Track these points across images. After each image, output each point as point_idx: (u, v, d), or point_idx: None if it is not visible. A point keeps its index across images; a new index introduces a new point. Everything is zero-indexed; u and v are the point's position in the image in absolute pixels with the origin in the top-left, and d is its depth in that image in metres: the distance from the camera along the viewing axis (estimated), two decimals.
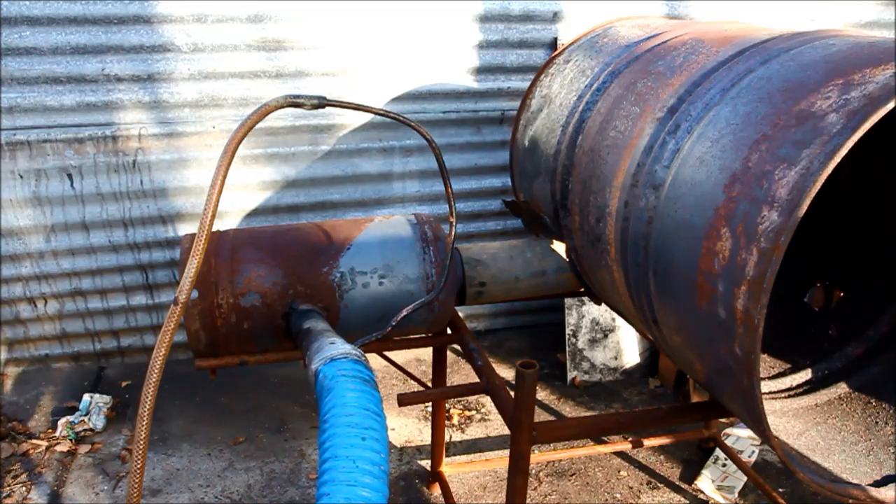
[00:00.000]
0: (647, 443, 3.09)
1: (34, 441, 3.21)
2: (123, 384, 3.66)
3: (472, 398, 3.57)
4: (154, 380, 1.54)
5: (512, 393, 1.92)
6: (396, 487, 3.00)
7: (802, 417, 2.00)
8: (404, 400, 2.08)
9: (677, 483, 3.05)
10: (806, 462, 1.72)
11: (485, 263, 2.41)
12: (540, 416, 3.43)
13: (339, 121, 3.57)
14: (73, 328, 3.74)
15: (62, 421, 3.28)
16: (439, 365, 2.70)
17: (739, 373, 1.42)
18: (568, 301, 3.72)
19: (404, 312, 2.16)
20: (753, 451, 3.22)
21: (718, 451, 3.15)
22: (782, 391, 2.15)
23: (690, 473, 3.10)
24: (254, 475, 3.04)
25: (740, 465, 3.01)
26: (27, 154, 3.33)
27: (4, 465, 3.05)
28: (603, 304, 2.53)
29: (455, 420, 3.43)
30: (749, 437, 3.30)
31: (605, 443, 3.20)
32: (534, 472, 3.08)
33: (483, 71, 3.63)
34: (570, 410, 3.55)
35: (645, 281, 1.75)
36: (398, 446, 3.25)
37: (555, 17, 3.59)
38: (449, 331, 2.46)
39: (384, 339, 2.21)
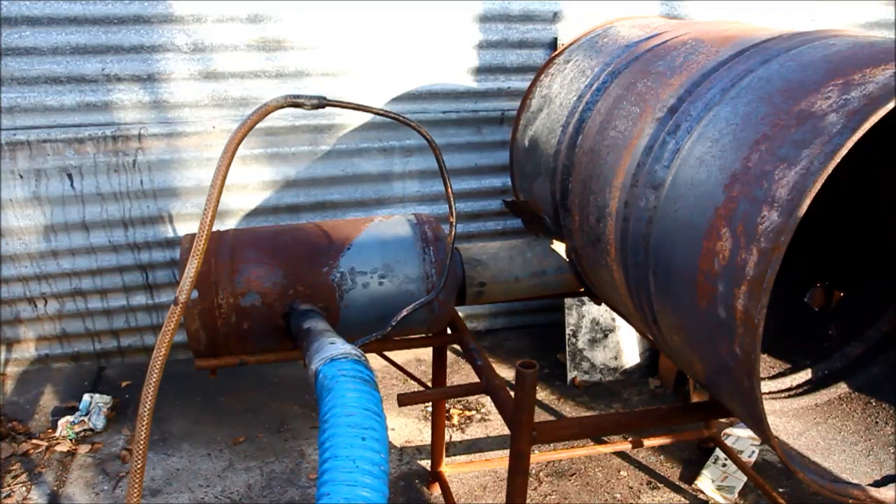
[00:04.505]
0: (647, 443, 3.09)
1: (34, 441, 3.21)
2: (123, 384, 3.66)
3: (472, 398, 3.57)
4: (154, 380, 1.54)
5: (512, 393, 1.92)
6: (396, 487, 3.00)
7: (802, 417, 2.00)
8: (404, 400, 2.08)
9: (677, 483, 3.05)
10: (806, 462, 1.72)
11: (485, 263, 2.41)
12: (540, 416, 3.43)
13: (339, 121, 3.57)
14: (73, 328, 3.74)
15: (62, 421, 3.28)
16: (439, 365, 2.70)
17: (739, 373, 1.42)
18: (568, 301, 3.72)
19: (404, 312, 2.16)
20: (753, 451, 3.21)
21: (718, 451, 3.15)
22: (782, 391, 2.15)
23: (690, 473, 3.10)
24: (254, 475, 3.04)
25: (740, 465, 3.01)
26: (27, 154, 3.33)
27: (4, 465, 3.05)
28: (603, 304, 2.53)
29: (455, 420, 3.43)
30: (749, 437, 3.30)
31: (605, 443, 3.20)
32: (534, 472, 3.08)
33: (483, 71, 3.63)
34: (570, 410, 3.55)
35: (645, 281, 1.75)
36: (398, 446, 3.25)
37: (555, 17, 3.59)
38: (449, 331, 2.46)
39: (384, 339, 2.21)
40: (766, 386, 2.14)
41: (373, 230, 2.28)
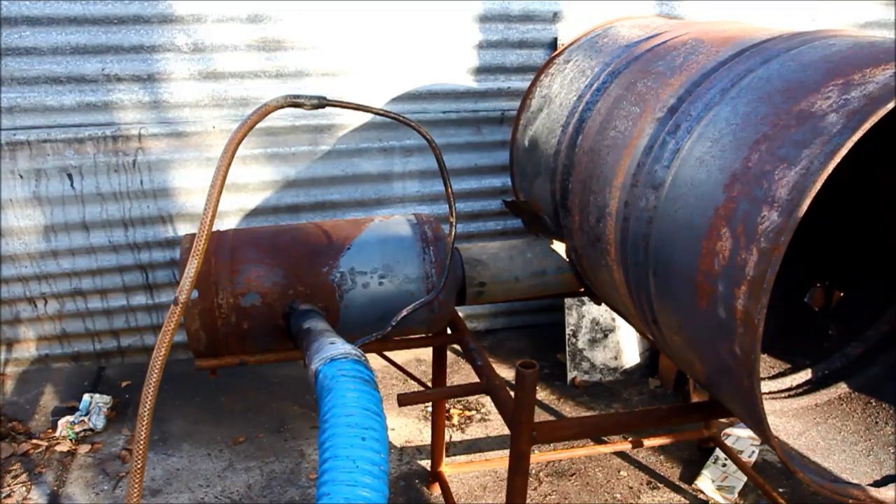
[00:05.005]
0: (647, 443, 3.09)
1: (34, 441, 3.21)
2: (123, 384, 3.66)
3: (472, 398, 3.57)
4: (154, 380, 1.54)
5: (512, 393, 1.92)
6: (396, 487, 3.00)
7: (802, 417, 2.00)
8: (404, 400, 2.08)
9: (677, 483, 3.05)
10: (806, 462, 1.72)
11: (485, 263, 2.41)
12: (540, 416, 3.43)
13: (339, 121, 3.57)
14: (73, 328, 3.74)
15: (62, 421, 3.28)
16: (439, 365, 2.70)
17: (739, 373, 1.42)
18: (568, 301, 3.72)
19: (404, 312, 2.16)
20: (753, 451, 3.22)
21: (718, 451, 3.15)
22: (782, 391, 2.15)
23: (690, 473, 3.10)
24: (254, 475, 3.04)
25: (740, 465, 3.01)
26: (27, 154, 3.33)
27: (4, 465, 3.05)
28: (603, 304, 2.53)
29: (455, 420, 3.43)
30: (749, 437, 3.30)
31: (605, 443, 3.20)
32: (534, 472, 3.08)
33: (483, 71, 3.63)
34: (570, 410, 3.55)
35: (645, 281, 1.75)
36: (398, 446, 3.25)
37: (555, 17, 3.59)
38: (449, 331, 2.46)
39: (384, 339, 2.21)
40: (766, 386, 2.14)
41: (373, 230, 2.28)
